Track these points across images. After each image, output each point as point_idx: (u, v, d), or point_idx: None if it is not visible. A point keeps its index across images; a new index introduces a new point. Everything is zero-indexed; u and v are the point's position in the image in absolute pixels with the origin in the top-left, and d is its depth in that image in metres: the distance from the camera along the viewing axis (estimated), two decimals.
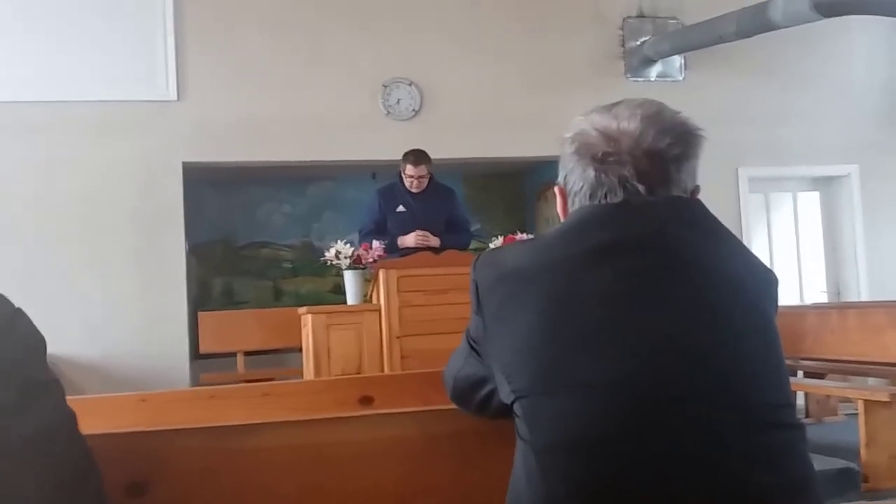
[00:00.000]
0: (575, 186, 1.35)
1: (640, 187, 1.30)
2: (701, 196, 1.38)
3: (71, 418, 1.11)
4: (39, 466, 1.00)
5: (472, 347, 1.40)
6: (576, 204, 1.36)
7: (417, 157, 5.45)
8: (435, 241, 5.38)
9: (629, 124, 1.32)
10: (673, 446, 1.18)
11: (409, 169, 5.42)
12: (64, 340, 5.84)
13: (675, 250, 1.27)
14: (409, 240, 5.38)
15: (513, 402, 1.27)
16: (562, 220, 1.41)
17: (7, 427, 0.97)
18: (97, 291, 6.27)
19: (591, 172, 1.32)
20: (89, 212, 6.35)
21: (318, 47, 6.79)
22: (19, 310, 1.08)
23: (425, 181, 5.46)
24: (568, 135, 1.38)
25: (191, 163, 6.59)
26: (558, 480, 1.20)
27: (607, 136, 1.32)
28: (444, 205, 5.58)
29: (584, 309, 1.23)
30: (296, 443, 1.57)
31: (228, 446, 1.55)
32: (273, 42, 6.71)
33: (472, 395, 1.45)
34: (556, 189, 1.43)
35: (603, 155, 1.31)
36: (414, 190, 5.44)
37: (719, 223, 1.34)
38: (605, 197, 1.31)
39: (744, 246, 1.38)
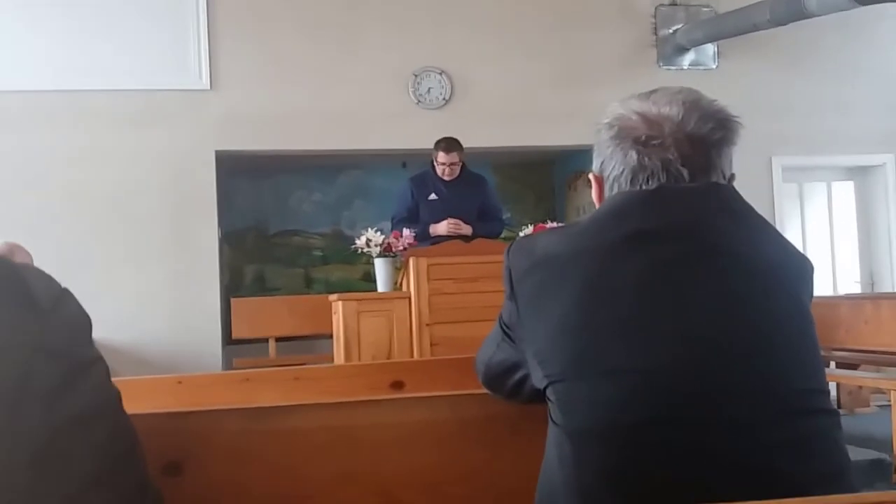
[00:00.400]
0: (614, 171, 1.34)
1: (684, 171, 1.30)
2: (735, 185, 1.38)
3: (116, 397, 1.13)
4: (86, 444, 1.02)
5: (505, 333, 1.40)
6: (614, 189, 1.35)
7: (449, 144, 5.45)
8: (467, 230, 5.39)
9: (670, 109, 1.32)
10: (706, 435, 1.17)
11: (441, 156, 5.43)
12: (98, 327, 5.85)
13: (711, 238, 1.26)
14: (441, 227, 5.39)
15: (546, 387, 1.27)
16: (596, 205, 1.40)
17: (55, 405, 0.99)
18: (131, 279, 6.35)
19: (633, 155, 1.32)
20: (123, 201, 6.43)
21: (349, 36, 6.81)
22: (66, 290, 1.10)
23: (457, 169, 5.47)
24: (606, 120, 1.37)
25: (223, 151, 6.64)
26: (590, 465, 1.20)
27: (649, 119, 1.32)
28: (476, 193, 5.58)
29: (618, 296, 1.23)
30: (329, 424, 1.58)
31: (263, 427, 1.56)
32: (304, 31, 6.74)
33: (504, 381, 1.45)
34: (591, 177, 1.42)
35: (646, 138, 1.31)
36: (446, 178, 5.45)
37: (754, 211, 1.33)
38: (647, 181, 1.30)
39: (779, 233, 1.37)
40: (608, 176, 1.36)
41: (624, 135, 1.33)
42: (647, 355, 1.20)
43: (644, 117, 1.33)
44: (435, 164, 5.48)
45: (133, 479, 1.12)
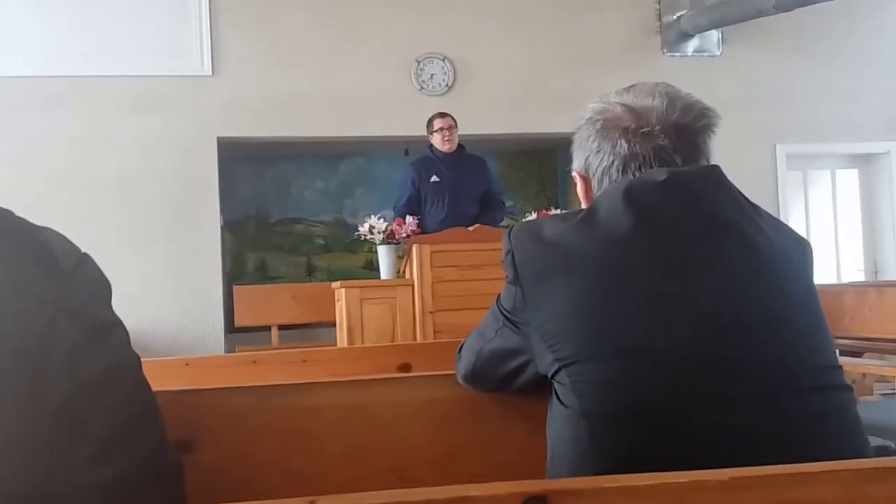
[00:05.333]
0: (603, 164, 1.35)
1: (677, 158, 1.31)
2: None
3: (136, 361, 1.13)
4: (106, 405, 1.02)
5: (506, 318, 1.36)
6: (605, 182, 1.35)
7: (440, 112, 5.54)
8: None
9: (653, 101, 1.34)
10: (729, 413, 1.17)
11: (438, 122, 5.48)
12: None
13: (722, 220, 1.26)
14: None
15: (556, 371, 1.25)
16: (584, 205, 1.39)
17: (77, 365, 0.99)
18: (133, 266, 6.34)
19: (623, 145, 1.32)
20: (125, 187, 6.42)
21: (353, 22, 6.79)
22: (86, 254, 1.09)
23: (456, 135, 5.49)
24: (588, 115, 1.38)
25: (225, 138, 6.63)
26: (610, 447, 1.18)
27: (634, 110, 1.33)
28: (477, 174, 5.62)
29: (633, 276, 1.22)
30: (340, 402, 1.58)
31: (274, 405, 1.56)
32: (308, 17, 6.72)
33: (497, 369, 1.43)
34: (575, 175, 1.43)
35: (635, 127, 1.32)
36: (445, 147, 5.46)
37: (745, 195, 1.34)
38: (640, 169, 1.31)
39: (773, 216, 1.38)
40: (595, 170, 1.37)
41: (611, 126, 1.34)
42: (666, 333, 1.19)
43: (629, 108, 1.34)
44: (432, 137, 5.51)
45: (152, 443, 1.11)
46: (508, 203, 6.97)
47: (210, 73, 6.58)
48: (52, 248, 1.04)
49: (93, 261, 1.09)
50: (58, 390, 0.95)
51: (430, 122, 5.54)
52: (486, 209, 5.57)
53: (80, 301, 1.03)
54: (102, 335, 1.05)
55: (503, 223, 5.71)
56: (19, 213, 1.12)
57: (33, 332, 0.97)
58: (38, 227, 1.08)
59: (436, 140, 5.48)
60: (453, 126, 5.47)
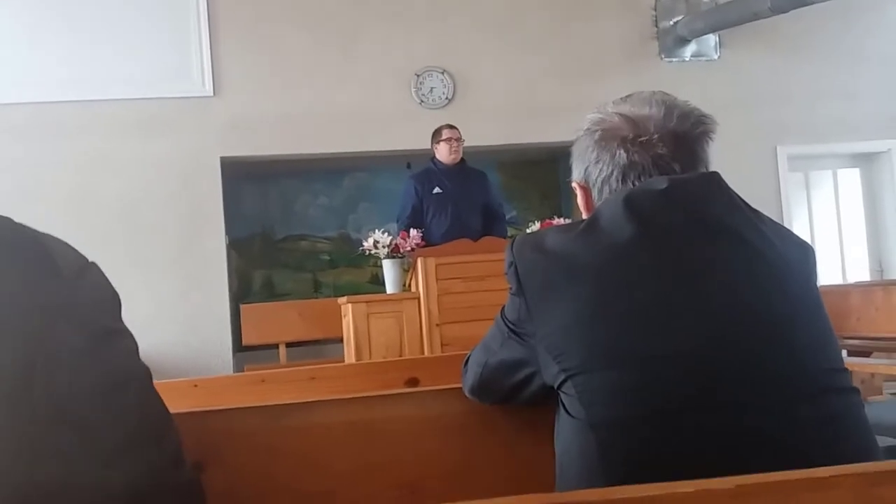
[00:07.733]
0: (602, 174, 1.36)
1: (675, 166, 1.32)
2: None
3: (144, 371, 1.12)
4: (113, 411, 1.02)
5: (511, 330, 1.36)
6: (605, 192, 1.36)
7: (449, 123, 5.60)
8: None
9: (650, 109, 1.35)
10: (738, 418, 1.16)
11: (447, 132, 5.52)
12: None
13: (726, 225, 1.27)
14: None
15: (563, 382, 1.25)
16: (585, 215, 1.39)
17: (79, 370, 0.99)
18: (140, 289, 6.34)
19: (622, 154, 1.33)
20: (129, 210, 6.44)
21: (352, 39, 6.82)
22: (93, 263, 1.10)
23: (461, 147, 5.52)
24: (586, 126, 1.39)
25: (228, 158, 6.65)
26: (619, 456, 1.18)
27: (632, 120, 1.34)
28: (479, 187, 5.66)
29: (637, 285, 1.22)
30: (348, 420, 1.58)
31: (284, 425, 1.56)
32: (305, 34, 6.75)
33: (503, 381, 1.43)
34: (575, 185, 1.43)
35: (633, 136, 1.33)
36: (451, 157, 5.48)
37: (745, 201, 1.34)
38: (639, 178, 1.32)
39: (775, 221, 1.38)
40: (595, 180, 1.38)
41: (609, 136, 1.35)
42: (671, 340, 1.19)
43: (627, 118, 1.35)
44: (437, 147, 5.53)
45: (165, 455, 1.11)
46: (511, 213, 7.00)
47: (211, 94, 6.61)
48: (53, 254, 1.05)
49: (99, 269, 1.10)
50: (58, 394, 0.95)
51: (437, 132, 5.57)
52: (490, 222, 5.59)
53: (83, 307, 1.03)
54: (106, 342, 1.04)
55: (507, 235, 5.73)
56: None
57: (31, 337, 0.96)
58: (40, 233, 1.08)
59: (442, 149, 5.50)
60: (461, 138, 5.51)
